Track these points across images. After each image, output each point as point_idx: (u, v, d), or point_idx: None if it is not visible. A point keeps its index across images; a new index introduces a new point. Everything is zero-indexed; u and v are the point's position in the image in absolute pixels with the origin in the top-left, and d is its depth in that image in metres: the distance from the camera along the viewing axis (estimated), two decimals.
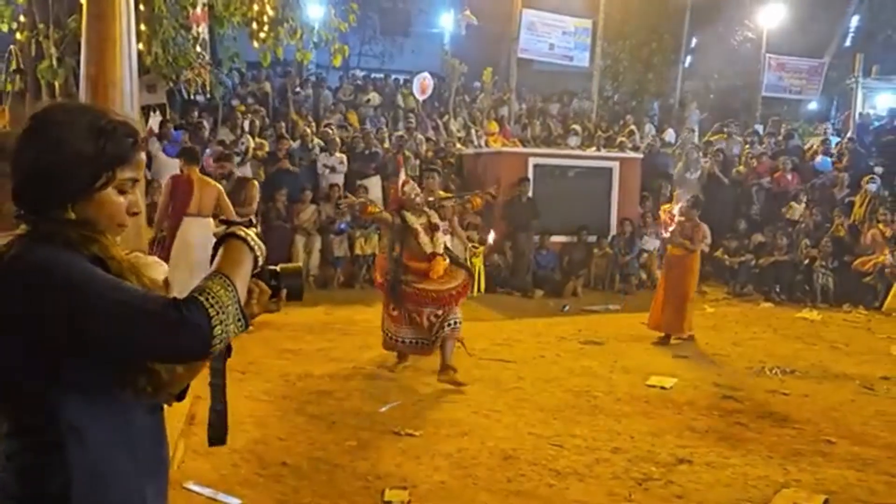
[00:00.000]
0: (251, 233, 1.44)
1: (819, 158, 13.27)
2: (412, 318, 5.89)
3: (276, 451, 4.37)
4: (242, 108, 12.74)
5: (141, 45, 7.13)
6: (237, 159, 10.06)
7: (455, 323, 5.87)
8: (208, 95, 11.12)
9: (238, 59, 11.27)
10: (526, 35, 15.47)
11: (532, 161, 11.27)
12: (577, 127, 14.24)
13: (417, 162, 11.38)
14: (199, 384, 1.61)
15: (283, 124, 12.48)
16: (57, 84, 7.63)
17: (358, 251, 10.27)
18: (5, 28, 8.13)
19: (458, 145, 12.86)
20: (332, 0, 11.53)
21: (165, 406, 1.54)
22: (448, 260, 5.96)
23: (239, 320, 1.32)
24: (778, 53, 16.91)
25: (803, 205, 11.90)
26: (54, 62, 7.58)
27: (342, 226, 10.32)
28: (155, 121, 10.23)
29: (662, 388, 6.00)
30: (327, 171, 11.10)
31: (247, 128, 11.79)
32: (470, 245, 9.47)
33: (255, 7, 9.11)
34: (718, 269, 11.38)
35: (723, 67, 18.70)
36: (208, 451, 4.26)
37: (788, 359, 7.21)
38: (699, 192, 9.88)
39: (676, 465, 4.38)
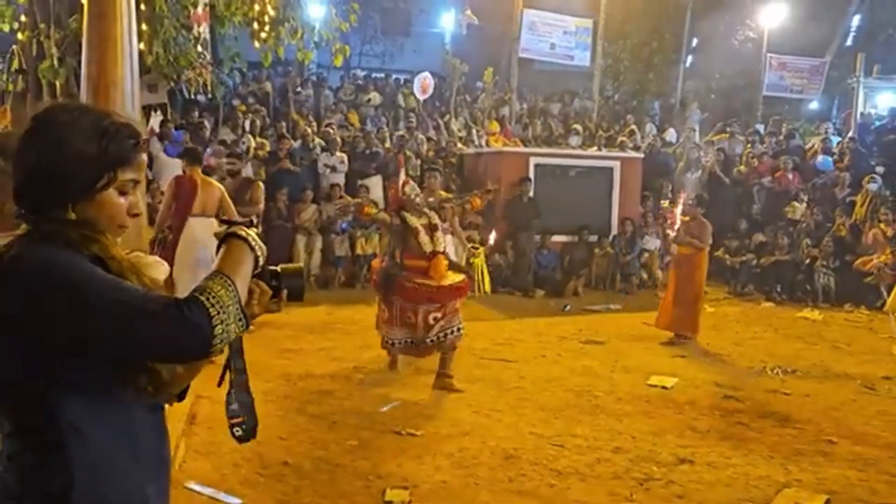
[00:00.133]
0: (252, 233, 1.44)
1: (820, 158, 13.25)
2: (406, 318, 5.72)
3: (278, 451, 4.36)
4: (243, 107, 12.75)
5: (142, 45, 7.12)
6: None
7: (458, 330, 5.78)
8: (209, 95, 11.12)
9: (239, 59, 11.24)
10: (527, 35, 15.45)
11: (533, 161, 11.27)
12: (578, 127, 14.22)
13: (418, 162, 11.36)
14: (200, 384, 1.61)
15: (284, 124, 12.48)
16: (58, 84, 7.62)
17: (359, 251, 10.27)
18: (6, 28, 8.11)
19: (459, 145, 12.85)
20: (333, 0, 11.52)
21: (166, 406, 1.54)
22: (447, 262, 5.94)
23: (240, 320, 1.33)
24: (779, 53, 16.88)
25: (804, 204, 11.88)
26: (55, 62, 7.57)
27: (343, 225, 10.32)
28: (156, 120, 10.23)
29: (663, 387, 6.01)
30: (328, 170, 11.11)
31: (248, 127, 11.80)
32: (470, 245, 9.45)
33: (256, 7, 9.09)
34: (719, 268, 11.36)
35: (724, 67, 18.64)
36: (209, 451, 4.27)
37: (790, 358, 7.21)
38: (701, 192, 9.88)
39: (678, 464, 4.39)
